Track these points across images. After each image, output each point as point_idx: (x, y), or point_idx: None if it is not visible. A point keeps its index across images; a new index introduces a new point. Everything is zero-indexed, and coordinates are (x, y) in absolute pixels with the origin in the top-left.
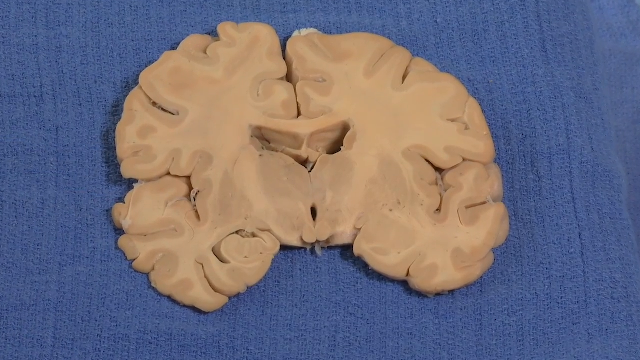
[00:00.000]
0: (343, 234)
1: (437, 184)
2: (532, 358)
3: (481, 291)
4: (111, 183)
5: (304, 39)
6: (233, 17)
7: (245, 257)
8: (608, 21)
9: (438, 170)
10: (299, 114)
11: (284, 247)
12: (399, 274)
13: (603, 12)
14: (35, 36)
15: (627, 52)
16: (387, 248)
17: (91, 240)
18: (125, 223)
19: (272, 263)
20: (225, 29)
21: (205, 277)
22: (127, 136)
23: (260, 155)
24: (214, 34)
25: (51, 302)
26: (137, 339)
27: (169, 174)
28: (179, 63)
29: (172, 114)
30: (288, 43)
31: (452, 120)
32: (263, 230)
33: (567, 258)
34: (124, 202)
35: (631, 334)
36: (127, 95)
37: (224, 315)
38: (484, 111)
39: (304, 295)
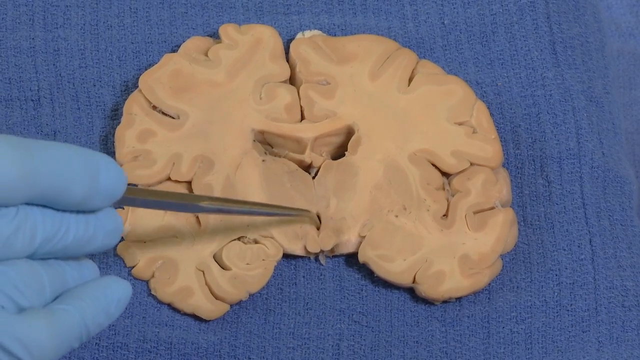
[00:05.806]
0: (348, 243)
1: (444, 189)
2: None
3: (489, 298)
4: None
5: (307, 41)
6: (235, 19)
7: (247, 264)
8: (616, 21)
9: (445, 174)
10: (302, 118)
11: (287, 255)
12: (405, 281)
13: (611, 11)
14: (33, 39)
15: (636, 52)
16: (392, 255)
17: None
18: (124, 229)
19: (274, 270)
20: (227, 30)
21: (206, 284)
22: (126, 140)
23: (263, 161)
24: (215, 36)
25: None
26: (136, 348)
27: (169, 179)
28: (180, 66)
29: (173, 117)
30: (291, 45)
31: (460, 124)
32: (265, 237)
33: (577, 265)
34: (123, 208)
35: None
36: (126, 99)
37: (225, 323)
38: (492, 114)
39: (307, 302)
